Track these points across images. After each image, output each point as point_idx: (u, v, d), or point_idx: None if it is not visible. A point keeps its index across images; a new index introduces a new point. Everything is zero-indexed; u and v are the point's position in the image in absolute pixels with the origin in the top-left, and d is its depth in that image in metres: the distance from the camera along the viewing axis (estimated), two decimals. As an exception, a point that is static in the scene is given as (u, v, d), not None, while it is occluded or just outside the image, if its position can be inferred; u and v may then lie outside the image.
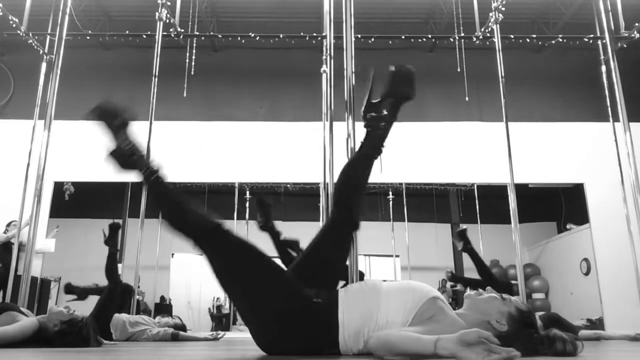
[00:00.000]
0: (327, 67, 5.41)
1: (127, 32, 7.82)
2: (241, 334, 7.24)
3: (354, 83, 2.68)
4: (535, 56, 9.11)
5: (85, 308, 3.24)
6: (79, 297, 4.31)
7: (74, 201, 8.18)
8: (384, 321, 1.53)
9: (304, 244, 3.68)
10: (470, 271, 10.96)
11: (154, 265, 8.92)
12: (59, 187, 7.97)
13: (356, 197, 1.81)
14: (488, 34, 6.81)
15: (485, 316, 1.51)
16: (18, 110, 8.27)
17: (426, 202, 10.75)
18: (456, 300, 9.96)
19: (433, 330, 1.39)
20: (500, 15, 5.55)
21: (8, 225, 6.63)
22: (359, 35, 7.09)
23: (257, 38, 7.84)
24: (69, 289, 4.34)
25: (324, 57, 5.89)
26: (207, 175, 8.10)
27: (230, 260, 1.59)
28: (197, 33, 8.04)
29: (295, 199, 10.18)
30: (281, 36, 7.89)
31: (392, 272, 10.50)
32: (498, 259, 11.32)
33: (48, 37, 6.86)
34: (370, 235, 8.91)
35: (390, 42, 8.09)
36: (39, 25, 7.20)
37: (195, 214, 1.64)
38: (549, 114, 8.58)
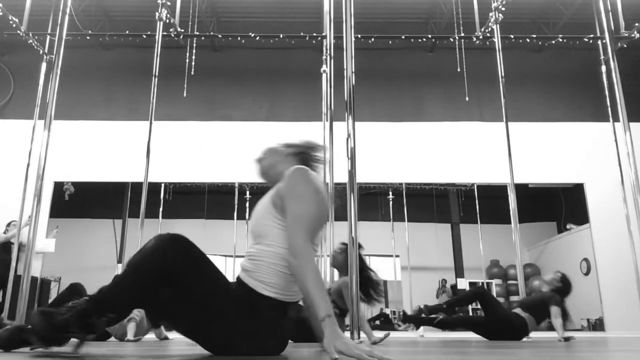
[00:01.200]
0: (327, 67, 5.42)
1: (127, 32, 7.82)
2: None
3: (354, 83, 2.68)
4: (535, 56, 9.12)
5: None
6: None
7: (74, 201, 8.18)
8: (273, 243, 1.55)
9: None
10: (470, 271, 10.98)
11: (154, 265, 8.91)
12: (59, 187, 7.97)
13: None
14: (488, 34, 6.81)
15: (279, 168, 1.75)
16: (18, 110, 8.28)
17: (426, 202, 10.75)
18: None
19: (284, 188, 1.54)
20: (500, 15, 5.55)
21: (8, 225, 6.64)
22: (359, 35, 7.09)
23: (257, 38, 7.85)
24: None
25: (324, 57, 5.89)
26: (207, 175, 8.11)
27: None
28: (197, 33, 8.04)
29: (295, 199, 10.18)
30: (281, 36, 7.89)
31: (392, 272, 10.50)
32: (498, 259, 11.33)
33: (48, 37, 6.86)
34: (370, 235, 8.93)
35: (390, 42, 8.10)
36: (39, 25, 7.20)
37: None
38: (549, 114, 8.59)
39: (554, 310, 4.03)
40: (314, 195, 1.52)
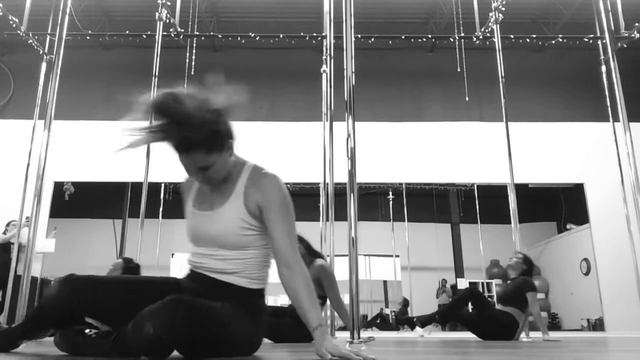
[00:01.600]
0: (327, 67, 5.42)
1: (127, 32, 7.82)
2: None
3: (353, 83, 2.68)
4: (535, 56, 9.12)
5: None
6: None
7: (74, 201, 8.18)
8: (256, 246, 1.56)
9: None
10: (470, 271, 10.97)
11: (154, 265, 8.92)
12: (59, 187, 7.97)
13: None
14: (488, 34, 6.81)
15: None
16: (18, 110, 8.28)
17: (426, 202, 10.75)
18: (456, 300, 9.96)
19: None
20: (500, 15, 5.55)
21: (7, 225, 6.64)
22: (359, 35, 7.09)
23: (257, 38, 7.84)
24: None
25: (324, 57, 5.89)
26: (207, 175, 8.10)
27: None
28: (197, 33, 8.04)
29: (295, 199, 10.16)
30: (281, 36, 7.89)
31: (392, 272, 10.50)
32: (498, 259, 11.32)
33: (48, 37, 6.86)
34: (370, 235, 8.93)
35: (390, 42, 8.10)
36: (39, 25, 7.20)
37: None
38: (549, 114, 8.59)
39: (531, 297, 4.06)
40: (291, 204, 1.57)
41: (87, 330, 1.51)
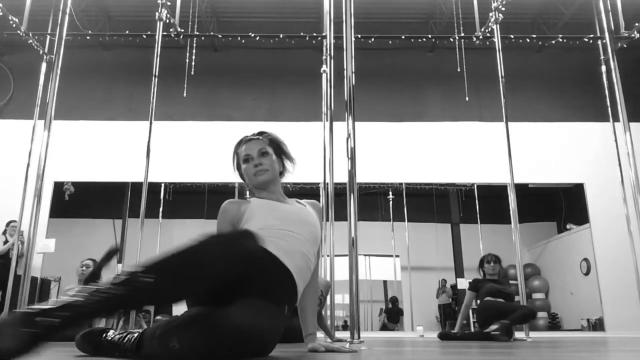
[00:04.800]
0: (327, 67, 5.42)
1: (127, 32, 7.82)
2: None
3: (354, 83, 2.68)
4: (535, 56, 9.11)
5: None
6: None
7: (74, 201, 8.18)
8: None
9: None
10: (470, 271, 11.00)
11: (154, 265, 8.91)
12: (59, 187, 7.97)
13: None
14: (488, 34, 6.81)
15: None
16: (18, 110, 8.28)
17: (426, 202, 10.73)
18: (456, 301, 9.97)
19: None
20: (500, 15, 5.55)
21: (7, 225, 6.65)
22: (359, 35, 7.09)
23: (257, 38, 7.84)
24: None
25: (324, 57, 5.89)
26: (207, 175, 8.10)
27: None
28: (197, 33, 8.04)
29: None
30: (281, 36, 7.89)
31: (392, 272, 10.49)
32: (498, 259, 11.30)
33: (48, 37, 6.86)
34: (370, 235, 8.93)
35: (390, 42, 8.10)
36: (39, 25, 7.20)
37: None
38: (549, 114, 8.59)
39: None
40: None
41: (110, 332, 1.49)
